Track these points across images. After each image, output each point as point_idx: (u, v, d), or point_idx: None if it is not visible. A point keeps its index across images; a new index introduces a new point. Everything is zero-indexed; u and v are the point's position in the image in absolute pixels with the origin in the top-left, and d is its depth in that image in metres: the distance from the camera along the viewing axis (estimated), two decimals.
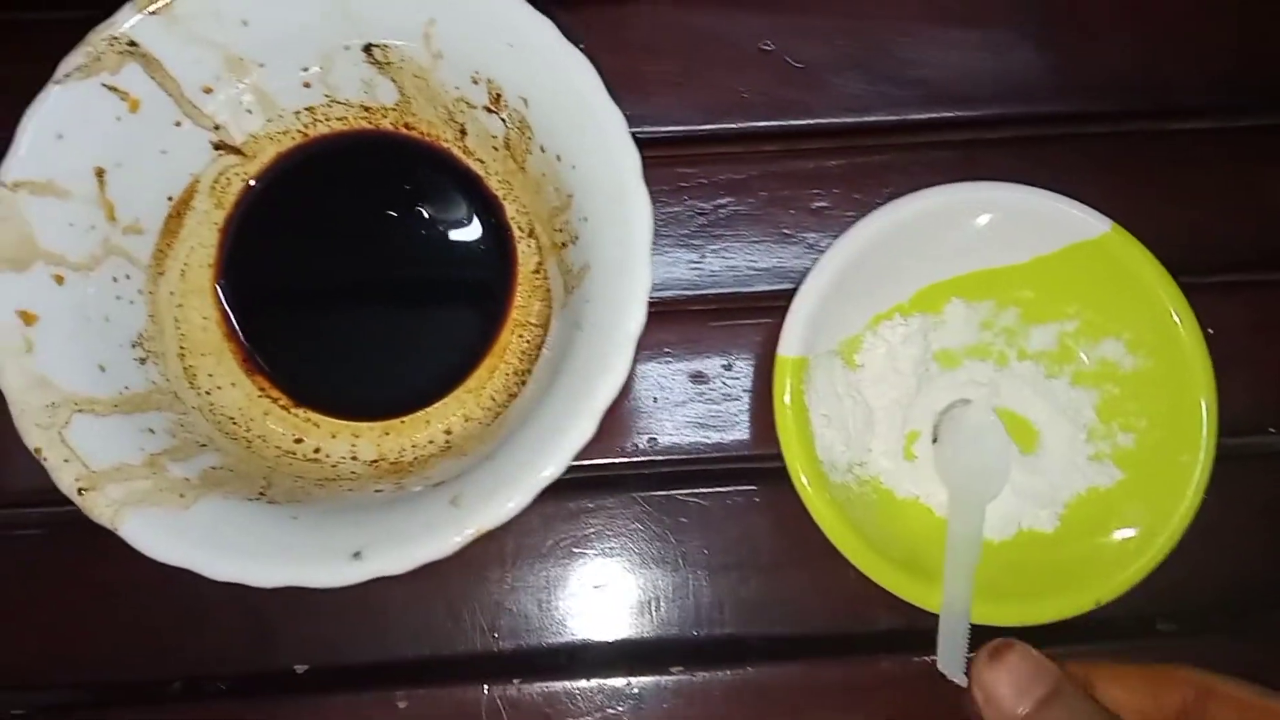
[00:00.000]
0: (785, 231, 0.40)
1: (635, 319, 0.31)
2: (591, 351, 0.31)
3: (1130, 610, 0.35)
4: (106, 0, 0.32)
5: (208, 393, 0.36)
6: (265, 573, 0.30)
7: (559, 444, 0.30)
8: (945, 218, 0.36)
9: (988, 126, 0.41)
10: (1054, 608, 0.34)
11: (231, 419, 0.36)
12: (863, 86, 0.41)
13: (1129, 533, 0.35)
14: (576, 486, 0.39)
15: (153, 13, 0.32)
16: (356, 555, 0.30)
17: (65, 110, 0.32)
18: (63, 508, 0.38)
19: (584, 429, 0.30)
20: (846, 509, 0.34)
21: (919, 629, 0.37)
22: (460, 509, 0.30)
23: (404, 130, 0.37)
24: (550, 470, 0.30)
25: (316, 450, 0.36)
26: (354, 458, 0.36)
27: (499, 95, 0.34)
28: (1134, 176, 0.41)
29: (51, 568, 0.39)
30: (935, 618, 0.34)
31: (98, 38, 0.32)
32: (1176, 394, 0.35)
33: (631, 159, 0.31)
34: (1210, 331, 0.35)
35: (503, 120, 0.35)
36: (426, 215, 0.37)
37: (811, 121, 0.41)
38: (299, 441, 0.36)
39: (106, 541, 0.38)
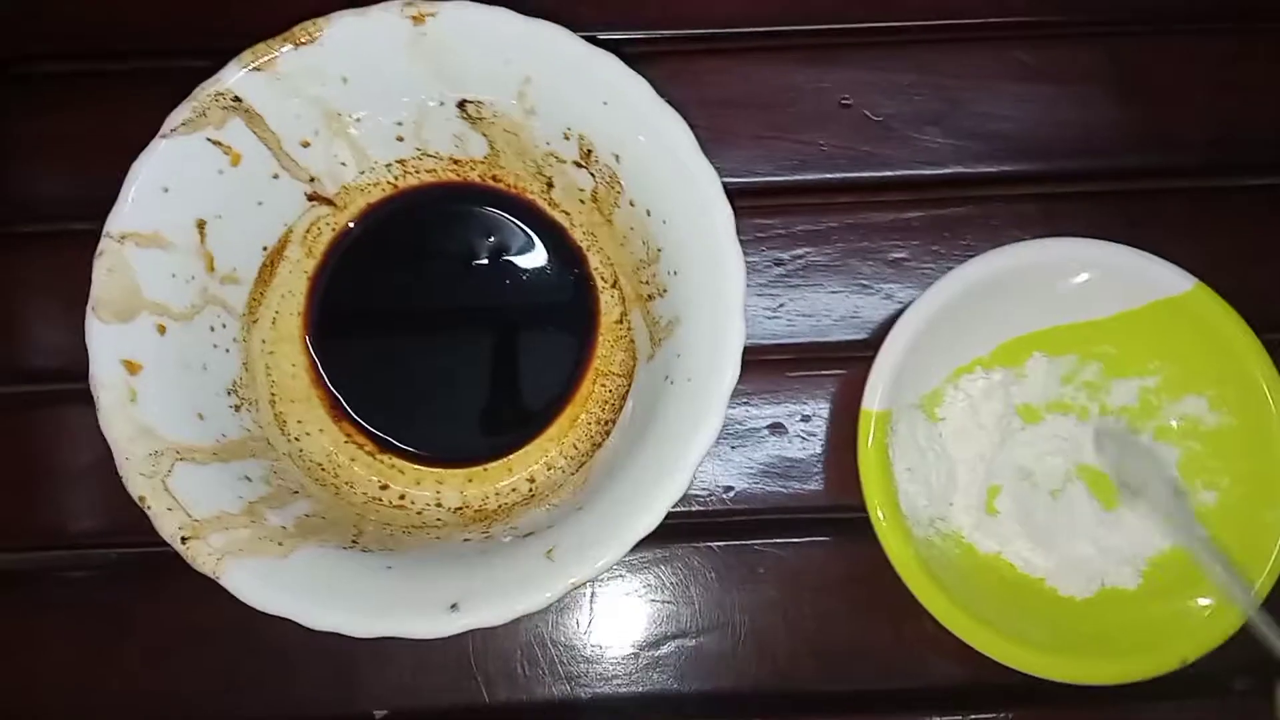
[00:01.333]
0: (863, 282, 0.41)
1: (729, 375, 0.31)
2: (684, 406, 0.32)
3: (1204, 669, 0.34)
4: (212, 49, 0.34)
5: (297, 439, 0.36)
6: (363, 623, 0.30)
7: (654, 498, 0.31)
8: (1028, 274, 0.36)
9: (1067, 180, 0.41)
10: (1139, 667, 0.34)
11: (320, 465, 0.36)
12: (941, 140, 0.41)
13: (1212, 590, 0.35)
14: (653, 536, 0.39)
15: (257, 69, 0.33)
16: (454, 607, 0.30)
17: (171, 163, 0.32)
18: (124, 550, 0.40)
19: (679, 483, 0.31)
20: (929, 564, 0.34)
21: (999, 684, 0.37)
22: (555, 562, 0.31)
23: (491, 182, 0.38)
24: (646, 524, 0.30)
25: (402, 497, 0.37)
26: (438, 504, 0.37)
27: (590, 151, 0.34)
28: (1214, 231, 0.41)
29: (112, 611, 0.40)
30: (1011, 672, 0.34)
31: (204, 93, 0.33)
32: (1260, 452, 0.35)
33: (725, 216, 0.32)
34: None
35: (592, 174, 0.35)
36: (510, 265, 0.38)
37: (890, 174, 0.41)
38: (384, 488, 0.37)
39: (170, 584, 0.39)
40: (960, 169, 0.41)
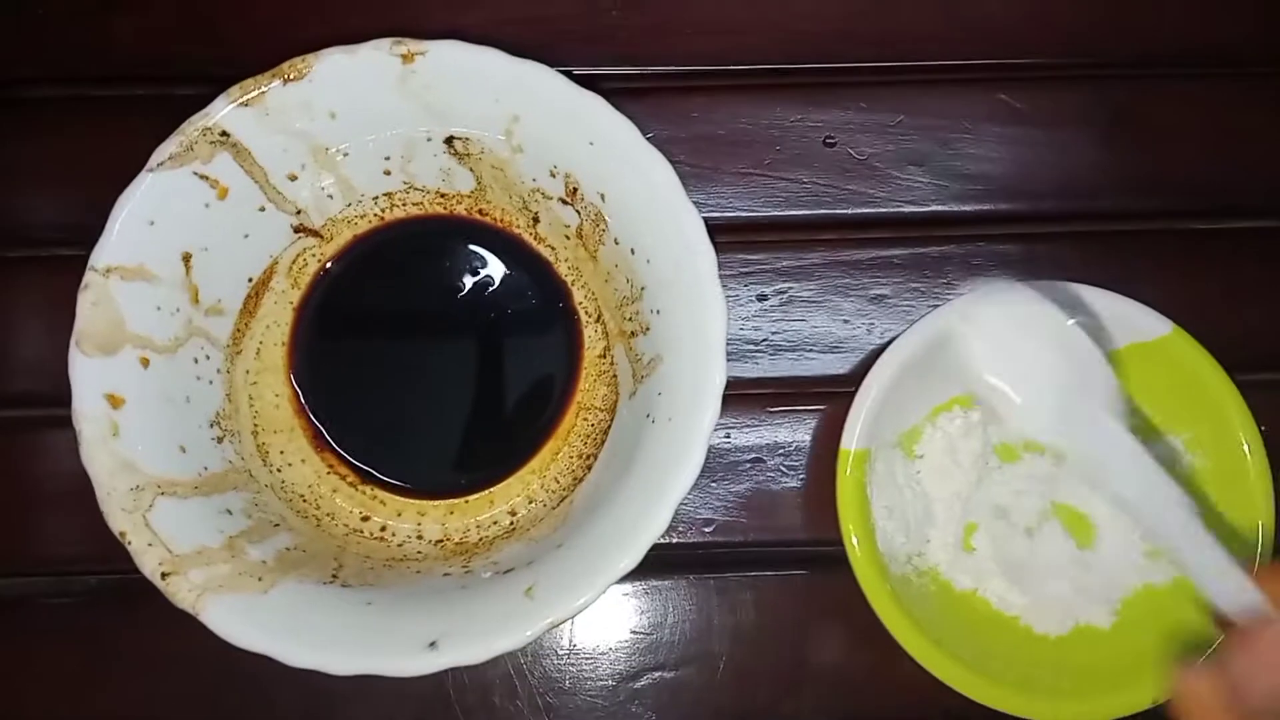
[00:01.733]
0: (845, 318, 0.41)
1: (709, 414, 0.31)
2: (665, 445, 0.32)
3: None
4: (206, 76, 0.33)
5: (279, 470, 0.36)
6: (342, 661, 0.30)
7: (635, 537, 0.31)
8: (1008, 317, 0.36)
9: (1049, 221, 0.42)
10: (1112, 706, 0.34)
11: (302, 496, 0.36)
12: (924, 180, 0.42)
13: (1185, 629, 0.35)
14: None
15: (245, 104, 0.33)
16: (432, 645, 0.30)
17: (157, 197, 0.32)
18: (105, 575, 0.40)
19: (659, 522, 0.31)
20: (905, 600, 0.35)
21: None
22: (535, 600, 0.31)
23: (477, 216, 0.38)
24: (625, 564, 0.31)
25: (383, 529, 0.37)
26: (419, 537, 0.37)
27: (576, 189, 0.35)
28: (1193, 274, 0.41)
29: (92, 636, 0.40)
30: (987, 710, 0.34)
31: (191, 128, 0.33)
32: (1234, 494, 0.36)
33: (708, 259, 0.32)
34: (1264, 429, 0.36)
35: (577, 211, 0.35)
36: (495, 298, 0.38)
37: (873, 211, 0.42)
38: (366, 519, 0.37)
39: (151, 611, 0.38)
40: (942, 208, 0.42)
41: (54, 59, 0.42)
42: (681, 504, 0.40)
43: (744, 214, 0.42)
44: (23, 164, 0.42)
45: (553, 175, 0.35)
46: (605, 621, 0.40)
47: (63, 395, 0.31)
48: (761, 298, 0.41)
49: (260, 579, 0.31)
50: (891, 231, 0.42)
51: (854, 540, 0.35)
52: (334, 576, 0.33)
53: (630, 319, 0.36)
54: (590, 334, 0.38)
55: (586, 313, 0.38)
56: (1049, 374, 0.32)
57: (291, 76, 0.33)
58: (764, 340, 0.41)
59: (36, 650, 0.40)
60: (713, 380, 0.32)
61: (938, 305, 0.36)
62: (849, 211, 0.42)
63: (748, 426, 0.41)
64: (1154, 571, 0.37)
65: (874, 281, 0.41)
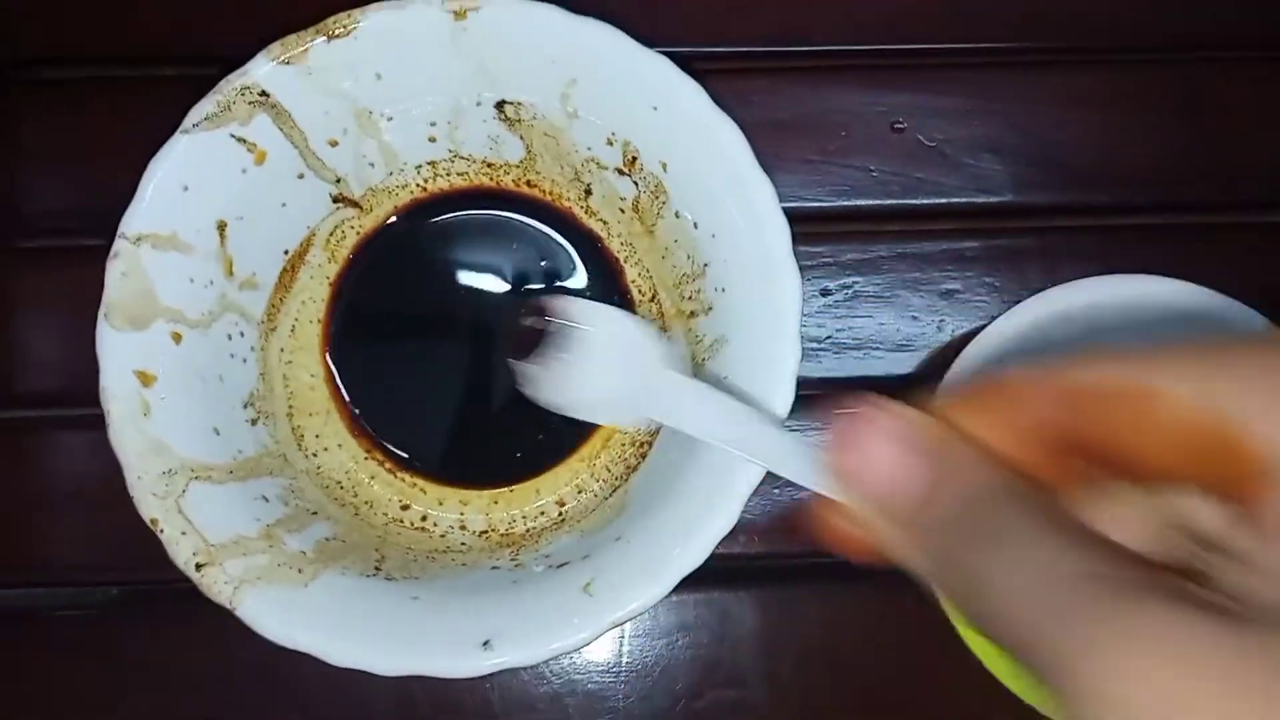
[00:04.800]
0: (914, 314, 0.39)
1: (783, 400, 0.29)
2: None
3: None
4: (228, 58, 0.31)
5: (314, 455, 0.34)
6: (388, 660, 0.28)
7: (700, 531, 0.29)
8: (1093, 311, 0.34)
9: (1130, 213, 0.40)
10: None
11: (339, 483, 0.34)
12: (998, 168, 0.39)
13: None
14: (690, 576, 0.37)
15: (286, 62, 0.31)
16: (486, 644, 0.28)
17: (192, 161, 0.30)
18: (124, 586, 0.37)
19: (727, 515, 0.29)
20: None
21: None
22: (594, 597, 0.29)
23: (525, 188, 0.36)
24: (691, 559, 0.29)
25: (424, 518, 0.35)
26: (462, 527, 0.35)
27: (634, 158, 0.32)
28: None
29: (111, 651, 0.37)
30: None
31: (229, 86, 0.30)
32: None
33: (782, 232, 0.30)
34: None
35: (635, 183, 0.33)
36: (543, 276, 0.36)
37: (944, 201, 0.39)
38: (405, 508, 0.35)
39: (172, 625, 0.37)
40: (1017, 198, 0.39)
41: (72, 39, 0.40)
42: (744, 511, 0.38)
43: (807, 203, 0.39)
44: (37, 148, 0.39)
45: (610, 143, 0.33)
46: (661, 636, 0.37)
47: (74, 394, 0.29)
48: (825, 292, 0.39)
49: (300, 570, 0.29)
50: (963, 222, 0.39)
51: None
52: (377, 569, 0.31)
53: (690, 298, 0.33)
54: (644, 314, 0.36)
55: (640, 292, 0.36)
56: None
57: (336, 33, 0.31)
58: (828, 338, 0.39)
59: (50, 666, 0.37)
60: (786, 364, 0.29)
61: (1012, 301, 0.34)
62: (918, 201, 0.39)
63: (812, 429, 0.38)
64: None
65: (945, 276, 0.39)
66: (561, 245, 0.36)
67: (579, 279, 0.36)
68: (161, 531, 0.28)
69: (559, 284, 0.36)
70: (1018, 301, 0.35)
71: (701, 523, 0.29)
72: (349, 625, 0.28)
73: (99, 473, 0.30)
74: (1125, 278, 0.34)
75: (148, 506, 0.28)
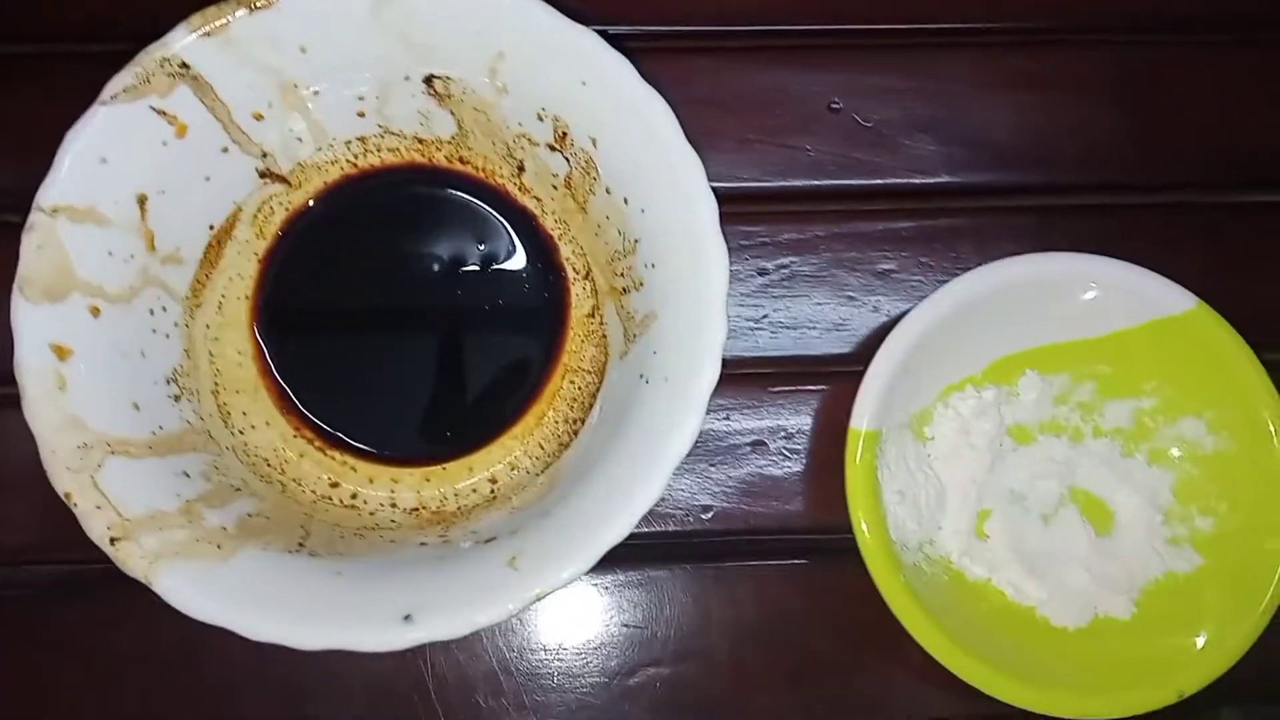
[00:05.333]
0: (850, 294, 0.39)
1: (709, 374, 0.29)
2: (660, 407, 0.30)
3: (1190, 701, 0.33)
4: (154, 35, 0.31)
5: (241, 432, 0.34)
6: (309, 634, 0.28)
7: (626, 504, 0.29)
8: (1024, 289, 0.34)
9: (1064, 193, 0.40)
10: (1134, 700, 0.33)
11: (266, 460, 0.34)
12: (934, 148, 0.40)
13: (1210, 619, 0.34)
14: (623, 555, 0.36)
15: (207, 34, 0.30)
16: (407, 618, 0.28)
17: (110, 133, 0.30)
18: (57, 566, 0.37)
19: (653, 489, 0.29)
20: (918, 591, 0.33)
21: (989, 717, 0.35)
22: (519, 571, 0.28)
23: (458, 165, 0.36)
24: (616, 532, 0.28)
25: (354, 496, 0.35)
26: (393, 505, 0.35)
27: (565, 133, 0.32)
28: (1215, 249, 0.39)
29: (44, 632, 0.37)
30: (1002, 705, 0.32)
31: (149, 58, 0.30)
32: (1260, 478, 0.34)
33: (709, 207, 0.30)
34: None
35: (566, 159, 0.33)
36: (476, 253, 0.36)
37: (880, 182, 0.40)
38: (335, 486, 0.35)
39: (107, 605, 0.36)
40: (953, 178, 0.40)
41: (2, 13, 0.39)
42: (679, 489, 0.38)
43: (744, 183, 0.39)
44: None
45: (540, 118, 0.32)
46: (597, 614, 0.37)
47: (7, 372, 0.28)
48: (762, 272, 0.39)
49: (220, 546, 0.29)
50: (899, 203, 0.39)
51: (864, 527, 0.33)
52: (300, 545, 0.30)
53: (622, 274, 0.33)
54: (578, 292, 0.36)
55: (574, 269, 0.36)
56: None
57: (258, 5, 0.30)
58: (764, 317, 0.39)
59: None
60: (713, 337, 0.29)
61: (947, 281, 0.34)
62: (854, 182, 0.40)
63: (747, 408, 0.38)
64: (1176, 559, 0.35)
65: (881, 256, 0.39)
66: (494, 223, 0.36)
67: (512, 256, 0.36)
68: (75, 505, 0.28)
69: (492, 264, 0.36)
70: (952, 279, 0.35)
71: (627, 498, 0.29)
72: (269, 600, 0.28)
73: (26, 453, 0.29)
74: (1055, 255, 0.34)
75: (61, 480, 0.28)
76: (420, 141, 0.35)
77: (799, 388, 0.38)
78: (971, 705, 0.33)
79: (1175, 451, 0.36)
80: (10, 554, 0.37)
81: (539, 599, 0.28)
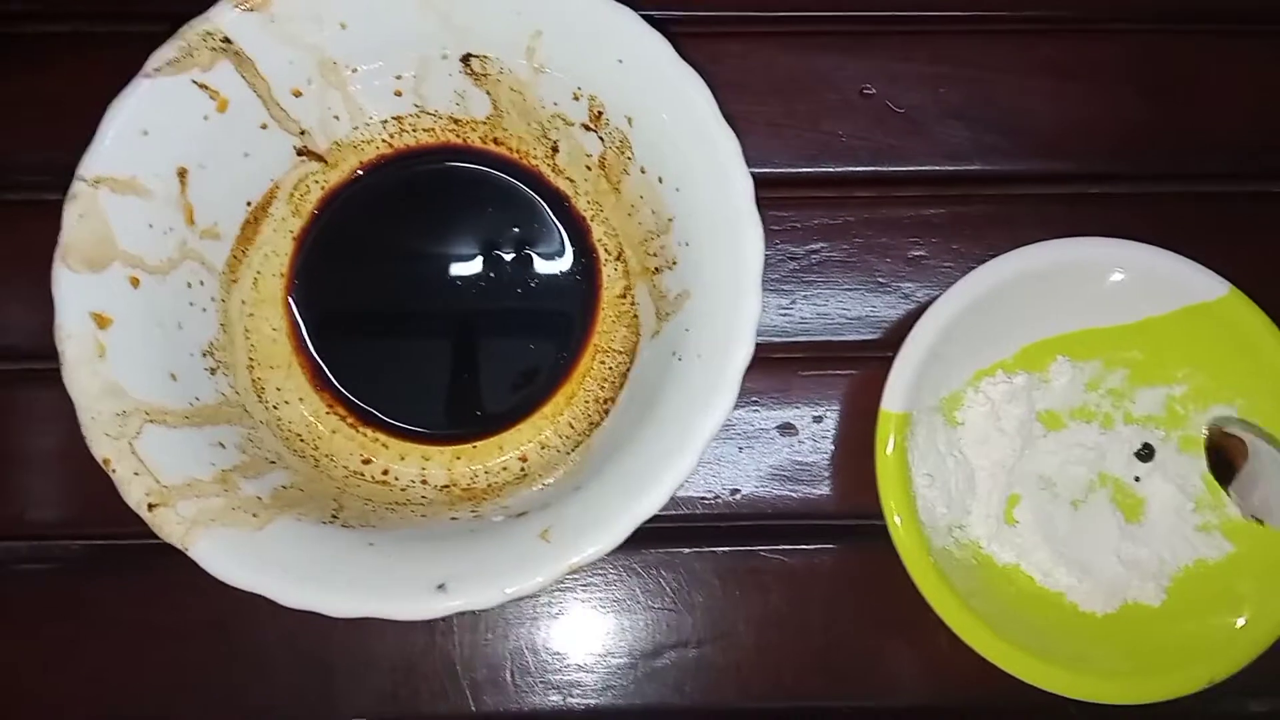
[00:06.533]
0: (880, 280, 0.39)
1: (743, 350, 0.29)
2: (694, 382, 0.30)
3: (1221, 689, 0.33)
4: (194, 14, 0.31)
5: (275, 407, 0.34)
6: (342, 602, 0.28)
7: (658, 478, 0.29)
8: (1056, 274, 0.34)
9: (1095, 181, 0.40)
10: (1164, 686, 0.32)
11: (299, 435, 0.34)
12: (966, 135, 0.39)
13: (1241, 607, 0.33)
14: (652, 537, 0.36)
15: (250, 9, 0.30)
16: (441, 587, 0.28)
17: (153, 105, 0.30)
18: (87, 541, 0.37)
19: (685, 463, 0.29)
20: (947, 574, 0.33)
21: (1017, 702, 0.35)
22: (551, 543, 0.29)
23: (492, 145, 0.36)
24: (649, 505, 0.29)
25: (385, 472, 0.35)
26: (424, 482, 0.35)
27: (600, 113, 0.33)
28: (1245, 237, 0.39)
29: (73, 605, 0.37)
30: (1030, 689, 0.32)
31: (192, 32, 0.30)
32: None
33: (744, 185, 0.30)
34: None
35: (600, 138, 0.33)
36: (508, 234, 0.36)
37: (911, 168, 0.39)
38: (367, 462, 0.35)
39: (137, 579, 0.37)
40: (984, 165, 0.39)
41: None
42: (708, 473, 0.38)
43: (775, 168, 0.39)
44: (11, 103, 0.39)
45: (576, 98, 0.33)
46: (624, 595, 0.37)
47: (43, 349, 0.29)
48: (792, 257, 0.39)
49: (255, 515, 0.29)
50: (931, 189, 0.39)
51: (894, 508, 0.33)
52: (334, 516, 0.31)
53: (655, 254, 0.33)
54: (610, 273, 0.36)
55: (606, 250, 0.36)
56: None
57: None
58: (793, 303, 0.39)
59: (12, 619, 0.37)
60: (747, 314, 0.29)
61: (976, 268, 0.34)
62: (886, 168, 0.39)
63: (777, 393, 0.38)
64: (1206, 546, 0.35)
65: (911, 243, 0.39)
66: (527, 203, 0.36)
67: (544, 238, 0.36)
68: (114, 471, 0.28)
69: (524, 244, 0.36)
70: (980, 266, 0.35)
71: (659, 472, 0.29)
72: (303, 568, 0.28)
73: (62, 428, 0.29)
74: (1087, 241, 0.34)
75: (100, 446, 0.28)
76: (455, 122, 0.35)
77: (828, 372, 0.38)
78: (999, 689, 0.33)
79: (1204, 438, 0.36)
80: (41, 529, 0.37)
81: (571, 571, 0.28)
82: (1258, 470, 0.33)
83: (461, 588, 0.28)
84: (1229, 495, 0.34)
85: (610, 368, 0.35)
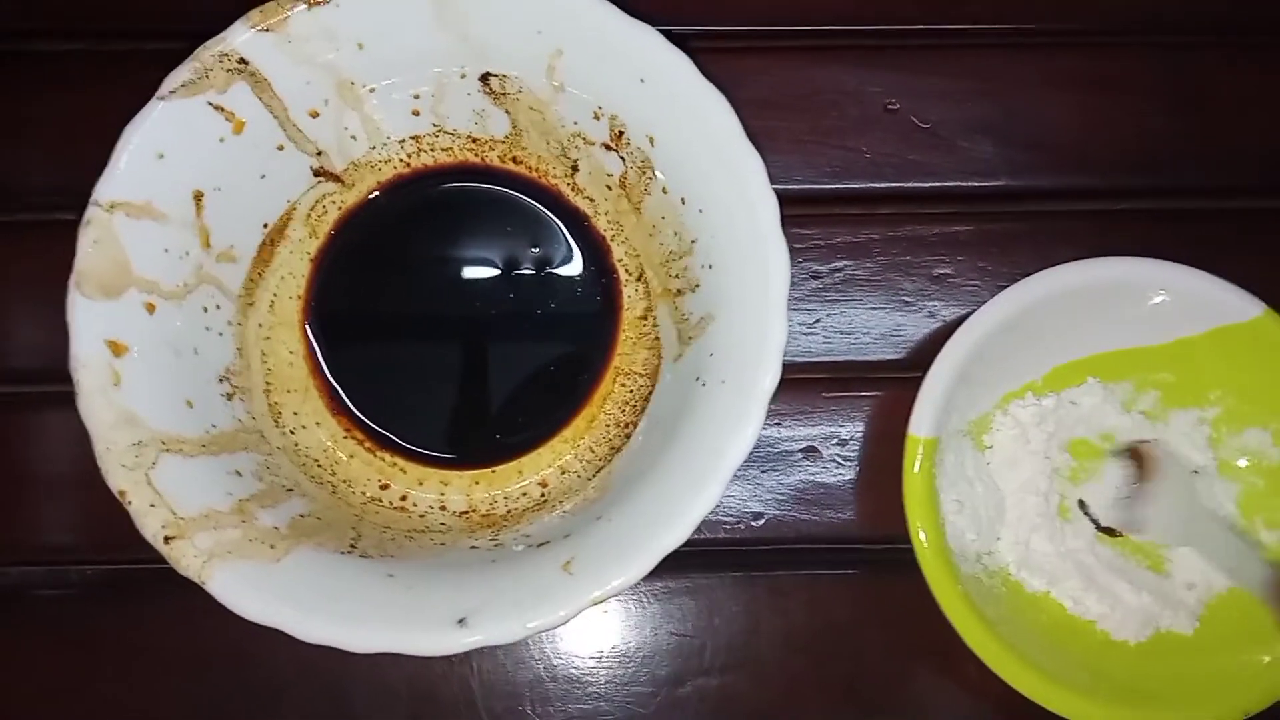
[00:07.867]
0: (905, 299, 0.38)
1: (769, 376, 0.29)
2: (718, 410, 0.29)
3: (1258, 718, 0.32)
4: (211, 34, 0.30)
5: (292, 432, 0.34)
6: (362, 637, 0.27)
7: (684, 509, 0.28)
8: (1086, 294, 0.34)
9: (1123, 197, 0.39)
10: (1198, 718, 0.32)
11: (316, 461, 0.34)
12: (992, 150, 0.39)
13: (1276, 638, 0.32)
14: (673, 562, 0.36)
15: (266, 30, 0.30)
16: (461, 622, 0.27)
17: (168, 128, 0.30)
18: (100, 567, 0.37)
19: (711, 494, 0.28)
20: (976, 602, 0.32)
21: None
22: (574, 575, 0.28)
23: (511, 165, 0.35)
24: (674, 538, 0.28)
25: (403, 498, 0.34)
26: (442, 508, 0.34)
27: (621, 132, 0.32)
28: (1276, 255, 0.38)
29: (86, 631, 0.37)
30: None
31: (207, 54, 0.30)
32: None
33: (770, 207, 0.29)
34: None
35: (622, 158, 0.33)
36: (527, 255, 0.36)
37: (937, 184, 0.39)
38: (385, 488, 0.34)
39: (151, 606, 0.36)
40: (1011, 181, 0.39)
41: (55, 11, 0.39)
42: (730, 497, 0.38)
43: (799, 185, 0.39)
44: (18, 123, 0.38)
45: (596, 117, 0.32)
46: (645, 622, 0.37)
47: (58, 372, 0.28)
48: (815, 276, 0.38)
49: (272, 546, 0.28)
50: (956, 206, 0.39)
51: (923, 535, 0.32)
52: (352, 546, 0.30)
53: (677, 276, 0.33)
54: (630, 294, 0.35)
55: (627, 271, 0.35)
56: None
57: (317, 0, 0.30)
58: (817, 322, 0.38)
59: (26, 645, 0.37)
60: (774, 339, 0.29)
61: (1004, 286, 0.33)
62: (911, 184, 0.39)
63: (800, 414, 0.38)
64: None
65: (937, 260, 0.38)
66: (546, 224, 0.36)
67: (564, 258, 0.36)
68: (130, 503, 0.28)
69: (543, 265, 0.35)
70: (1010, 285, 0.35)
71: (684, 504, 0.28)
72: (322, 601, 0.28)
73: (75, 453, 0.29)
74: (1118, 260, 0.34)
75: (116, 478, 0.28)
76: (474, 141, 0.35)
77: (852, 394, 0.38)
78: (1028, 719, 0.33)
79: (1241, 462, 0.35)
80: (56, 554, 0.37)
81: (594, 604, 0.28)
82: (1160, 491, 0.34)
83: (482, 622, 0.27)
84: (1082, 502, 0.36)
85: (631, 390, 0.35)
